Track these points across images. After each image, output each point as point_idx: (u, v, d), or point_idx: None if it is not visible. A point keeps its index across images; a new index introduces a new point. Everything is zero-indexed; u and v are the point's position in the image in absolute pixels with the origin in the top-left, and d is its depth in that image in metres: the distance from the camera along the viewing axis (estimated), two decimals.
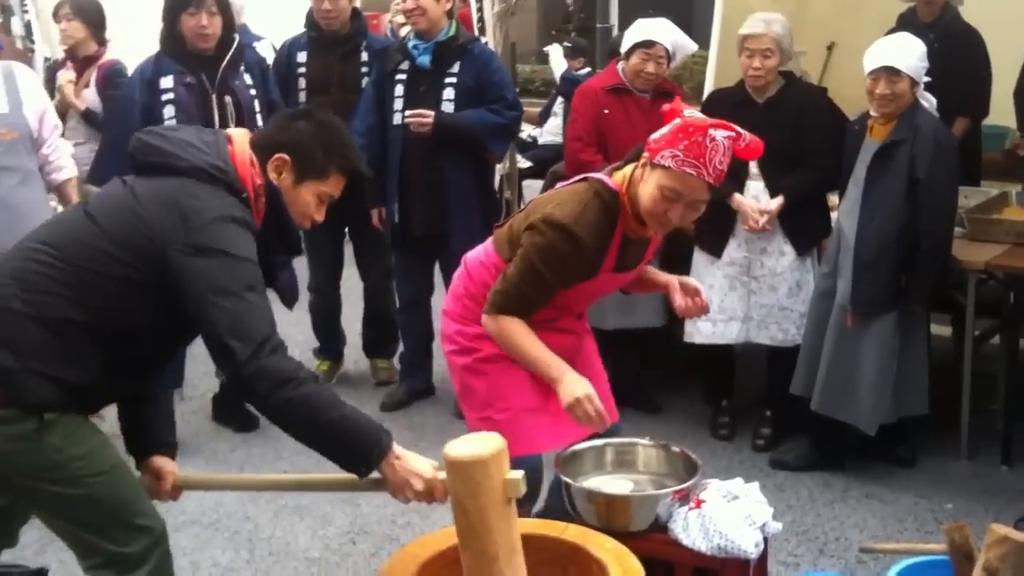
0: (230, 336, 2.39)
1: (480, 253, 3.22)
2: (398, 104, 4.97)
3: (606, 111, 4.88)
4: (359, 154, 2.76)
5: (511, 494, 2.18)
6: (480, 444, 2.20)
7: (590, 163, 4.83)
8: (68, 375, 2.47)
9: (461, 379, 3.21)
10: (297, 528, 4.15)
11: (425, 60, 4.97)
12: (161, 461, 2.77)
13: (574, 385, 2.91)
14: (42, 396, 2.44)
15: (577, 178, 3.07)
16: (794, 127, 4.58)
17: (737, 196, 4.61)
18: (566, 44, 8.77)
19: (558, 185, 3.20)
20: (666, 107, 2.91)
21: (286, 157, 2.63)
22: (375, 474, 2.47)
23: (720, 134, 2.77)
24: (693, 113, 2.86)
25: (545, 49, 9.48)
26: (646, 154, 2.88)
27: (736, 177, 4.63)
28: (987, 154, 6.13)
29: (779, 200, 4.59)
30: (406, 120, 4.91)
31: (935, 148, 4.16)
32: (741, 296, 4.71)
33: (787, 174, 4.60)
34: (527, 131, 7.34)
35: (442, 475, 2.37)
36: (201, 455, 4.84)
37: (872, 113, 4.31)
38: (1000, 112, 6.01)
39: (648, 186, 2.85)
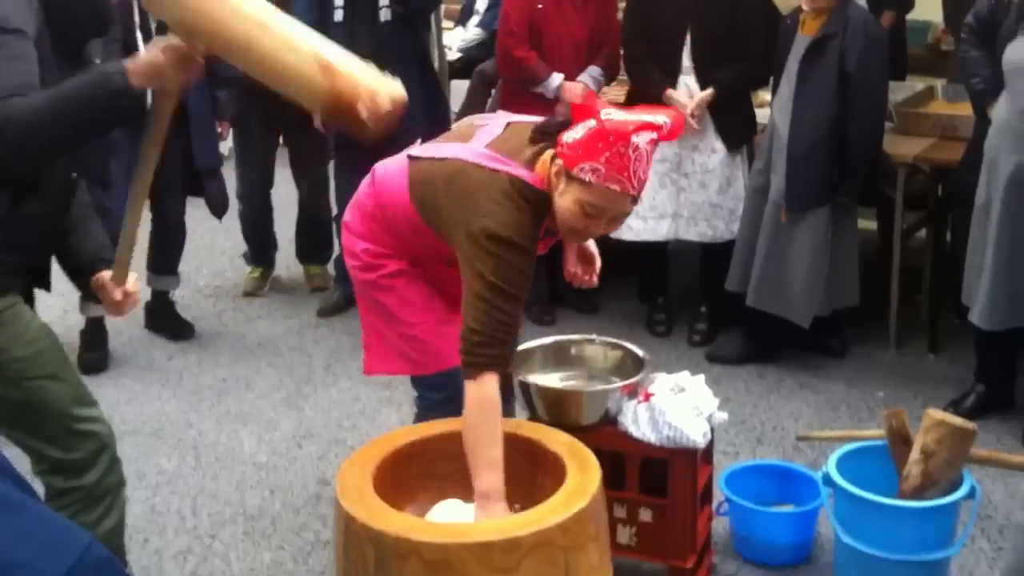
0: None
1: (393, 178, 2.91)
2: (339, 1, 4.83)
3: (539, 6, 4.80)
4: None
5: None
6: None
7: (524, 59, 4.79)
8: None
9: (367, 294, 3.06)
10: (242, 434, 4.14)
11: None
12: (100, 275, 2.60)
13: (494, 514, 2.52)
14: None
15: (494, 164, 2.68)
16: (728, 14, 4.57)
17: (670, 91, 4.61)
18: None
19: (471, 154, 2.75)
20: (578, 99, 2.65)
21: None
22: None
23: (643, 139, 2.49)
24: (610, 114, 2.53)
25: None
26: (560, 161, 2.56)
27: (669, 71, 4.66)
28: (910, 49, 6.20)
29: (709, 91, 4.60)
30: None
31: (865, 41, 4.20)
32: (671, 193, 4.73)
33: (719, 66, 4.61)
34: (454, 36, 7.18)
35: (172, 39, 2.29)
36: (137, 364, 4.78)
37: (803, 7, 4.33)
38: (922, 6, 6.08)
39: (566, 199, 2.56)
